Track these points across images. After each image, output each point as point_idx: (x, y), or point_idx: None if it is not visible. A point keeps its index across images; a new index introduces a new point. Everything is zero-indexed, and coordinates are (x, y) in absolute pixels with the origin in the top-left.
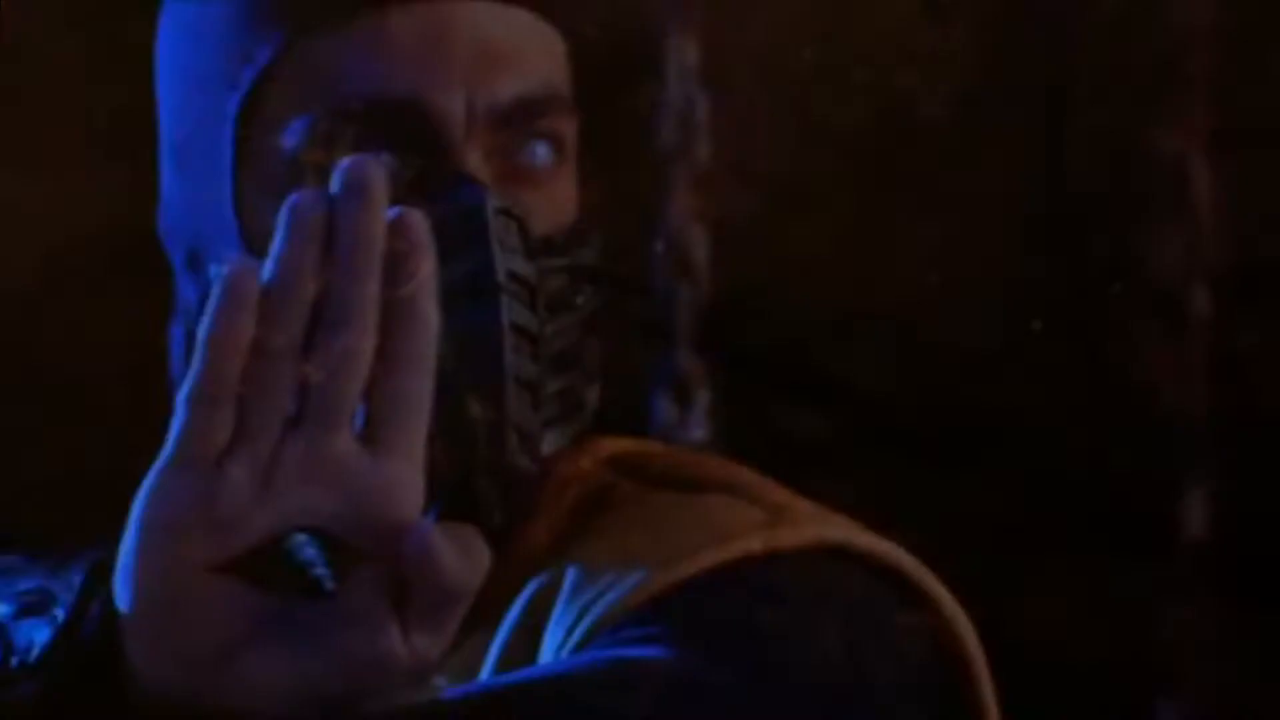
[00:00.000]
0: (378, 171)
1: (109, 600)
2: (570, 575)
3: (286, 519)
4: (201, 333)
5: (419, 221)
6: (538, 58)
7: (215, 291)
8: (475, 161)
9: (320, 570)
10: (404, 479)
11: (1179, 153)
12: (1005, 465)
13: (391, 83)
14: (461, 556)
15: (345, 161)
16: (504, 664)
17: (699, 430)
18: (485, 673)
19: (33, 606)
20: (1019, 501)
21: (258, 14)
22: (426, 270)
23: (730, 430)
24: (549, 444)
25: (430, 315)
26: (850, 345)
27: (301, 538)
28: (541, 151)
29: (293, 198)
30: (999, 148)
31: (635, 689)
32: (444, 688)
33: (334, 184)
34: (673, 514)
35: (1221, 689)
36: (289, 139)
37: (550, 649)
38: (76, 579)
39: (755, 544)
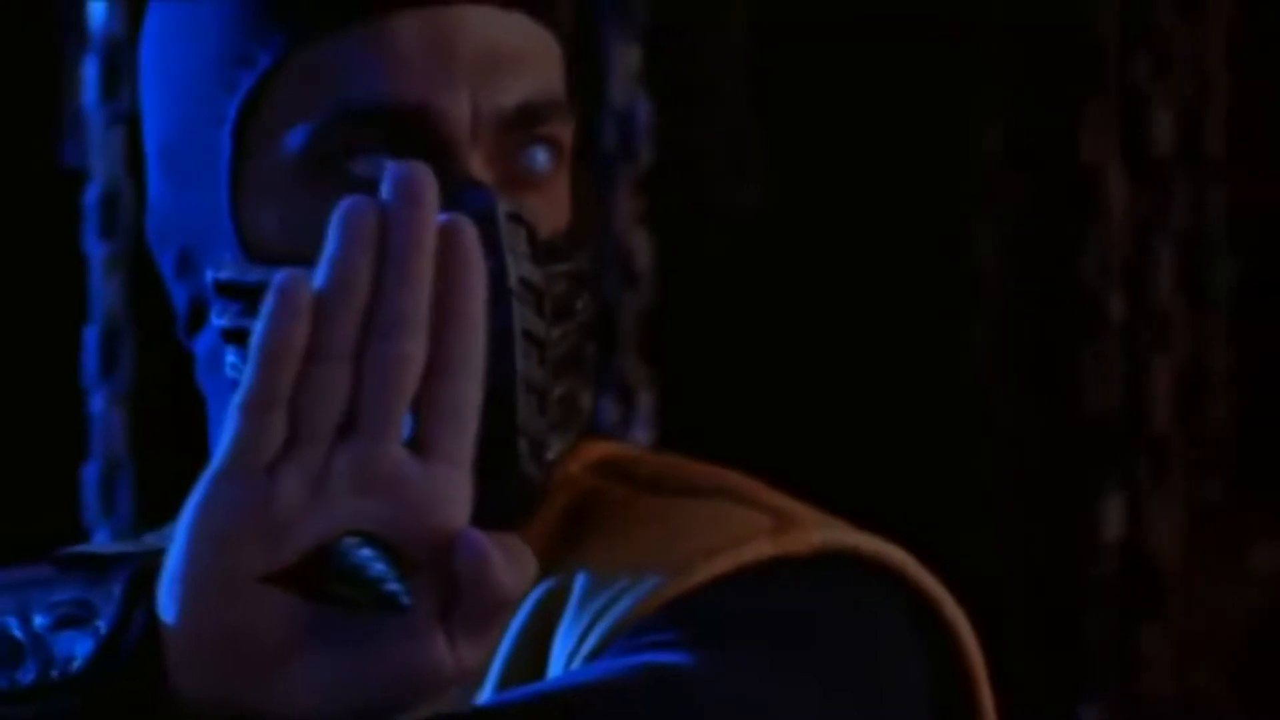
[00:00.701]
0: (428, 177)
1: (152, 610)
2: (579, 581)
3: (337, 527)
4: (253, 341)
5: (468, 227)
6: (539, 62)
7: (268, 299)
8: (479, 166)
9: (394, 585)
10: (453, 486)
11: (1096, 160)
12: (934, 466)
13: (396, 86)
14: (509, 565)
15: (395, 167)
16: (510, 670)
17: (642, 432)
18: (491, 680)
19: (71, 618)
20: (951, 502)
21: (257, 16)
22: (476, 276)
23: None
24: (552, 450)
25: (479, 321)
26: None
27: (368, 552)
28: (541, 157)
29: (344, 203)
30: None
31: (668, 696)
32: (453, 696)
33: (384, 189)
34: (677, 518)
35: (1139, 692)
36: (291, 142)
37: (561, 655)
38: (116, 589)
39: (766, 548)
